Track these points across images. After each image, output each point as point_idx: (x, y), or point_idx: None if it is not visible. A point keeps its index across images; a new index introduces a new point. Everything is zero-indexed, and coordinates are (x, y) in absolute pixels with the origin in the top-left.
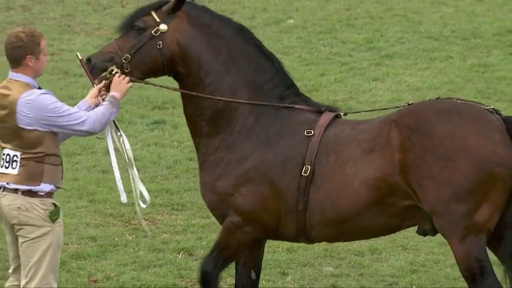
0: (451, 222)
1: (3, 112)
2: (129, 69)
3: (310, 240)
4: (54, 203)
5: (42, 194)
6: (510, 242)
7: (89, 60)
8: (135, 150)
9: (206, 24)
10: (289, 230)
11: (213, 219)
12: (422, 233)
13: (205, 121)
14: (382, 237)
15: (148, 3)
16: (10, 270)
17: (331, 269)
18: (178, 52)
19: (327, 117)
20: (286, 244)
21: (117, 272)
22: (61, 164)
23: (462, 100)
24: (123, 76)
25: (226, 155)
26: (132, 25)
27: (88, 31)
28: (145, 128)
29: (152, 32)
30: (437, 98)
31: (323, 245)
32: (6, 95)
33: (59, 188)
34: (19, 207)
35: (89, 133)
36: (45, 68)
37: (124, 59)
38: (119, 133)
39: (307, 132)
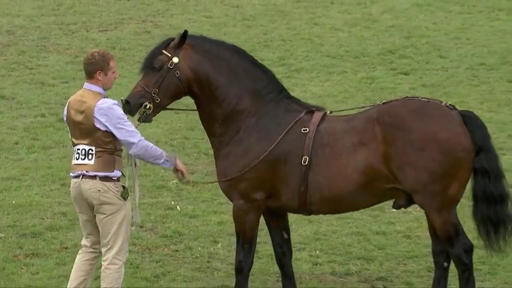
0: (430, 199)
1: (81, 116)
2: (158, 100)
3: (309, 213)
4: (123, 185)
5: (115, 178)
6: (478, 210)
7: (127, 102)
8: None
9: (207, 50)
10: (293, 205)
11: (160, 199)
12: (398, 207)
13: (218, 124)
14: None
15: (159, 44)
16: (82, 243)
17: None
18: (191, 75)
19: (317, 116)
20: (217, 218)
21: None
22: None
23: (426, 98)
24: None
25: (234, 148)
26: (151, 66)
27: (60, 50)
28: None
29: (168, 65)
30: (405, 98)
31: None
32: (84, 102)
33: (123, 174)
34: (99, 190)
35: (133, 151)
36: (26, 79)
37: (153, 93)
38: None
39: (303, 129)
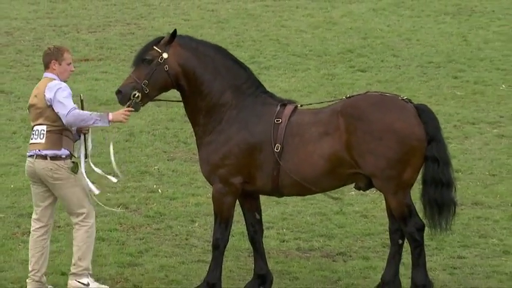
0: (387, 183)
1: (35, 98)
2: (147, 90)
3: (281, 195)
4: (72, 162)
5: (64, 156)
6: (426, 193)
7: (119, 91)
8: None
9: (194, 48)
10: (267, 188)
11: (143, 183)
12: (358, 188)
13: (202, 115)
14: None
15: (150, 41)
16: (32, 217)
17: None
18: (179, 70)
19: (289, 108)
20: (194, 200)
21: None
22: (73, 140)
23: (385, 93)
24: (127, 111)
25: (217, 137)
26: (142, 59)
27: None
28: None
29: (159, 60)
30: (366, 92)
31: None
32: (38, 87)
33: (73, 155)
34: (51, 169)
35: (65, 121)
36: (23, 75)
37: (143, 84)
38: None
39: (277, 120)
